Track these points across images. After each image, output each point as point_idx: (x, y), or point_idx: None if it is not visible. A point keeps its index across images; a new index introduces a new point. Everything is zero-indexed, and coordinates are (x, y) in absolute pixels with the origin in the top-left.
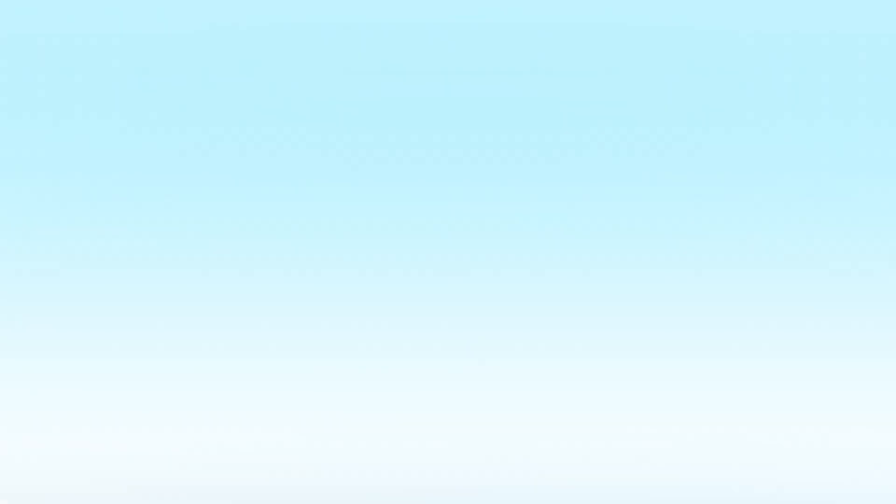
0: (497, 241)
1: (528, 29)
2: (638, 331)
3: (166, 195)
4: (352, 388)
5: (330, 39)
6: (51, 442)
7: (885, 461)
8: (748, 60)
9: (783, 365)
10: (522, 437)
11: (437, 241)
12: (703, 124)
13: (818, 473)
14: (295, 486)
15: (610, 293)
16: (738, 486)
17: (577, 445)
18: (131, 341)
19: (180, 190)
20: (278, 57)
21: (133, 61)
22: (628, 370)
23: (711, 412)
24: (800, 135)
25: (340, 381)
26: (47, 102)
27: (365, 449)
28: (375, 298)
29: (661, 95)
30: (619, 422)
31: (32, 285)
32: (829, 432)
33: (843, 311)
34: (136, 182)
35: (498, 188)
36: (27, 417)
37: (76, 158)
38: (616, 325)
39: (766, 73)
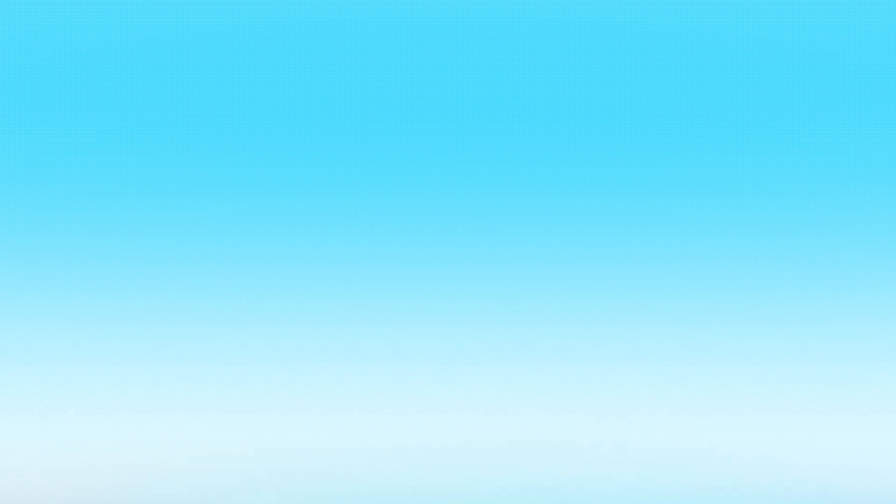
0: (501, 236)
1: (528, 24)
2: (639, 330)
3: (160, 191)
4: (351, 387)
5: (321, 33)
6: (48, 442)
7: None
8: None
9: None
10: (525, 435)
11: (438, 236)
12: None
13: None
14: (295, 485)
15: (614, 290)
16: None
17: (583, 443)
18: (128, 340)
19: (174, 187)
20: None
21: (130, 62)
22: (630, 372)
23: (717, 409)
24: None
25: (340, 380)
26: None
27: (365, 448)
28: (375, 295)
29: (663, 96)
30: (627, 419)
31: (30, 282)
32: (834, 431)
33: (846, 309)
34: (134, 179)
35: (505, 183)
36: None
37: (74, 158)
38: (619, 322)
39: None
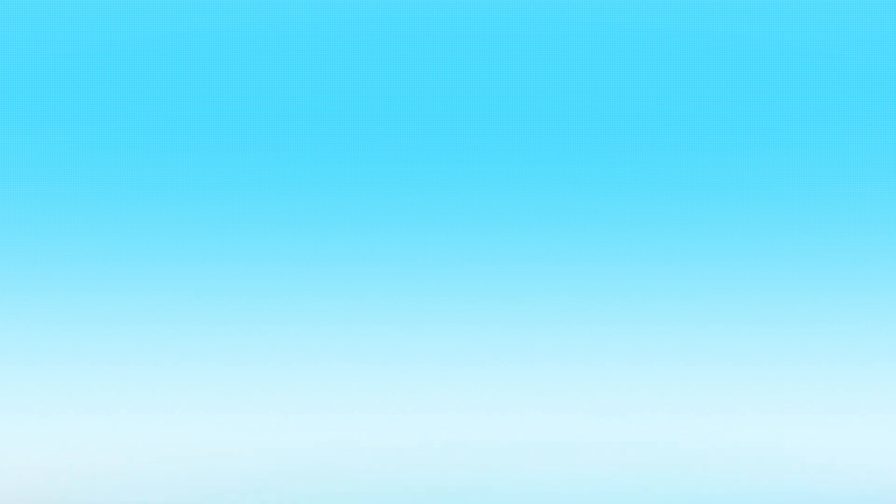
0: (500, 236)
1: (528, 24)
2: (639, 330)
3: (160, 191)
4: (352, 387)
5: (321, 33)
6: (48, 442)
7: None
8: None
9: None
10: (525, 435)
11: (438, 236)
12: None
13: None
14: (295, 485)
15: (614, 290)
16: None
17: (582, 443)
18: (128, 340)
19: (174, 187)
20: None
21: (129, 62)
22: (630, 372)
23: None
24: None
25: (340, 379)
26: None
27: (365, 448)
28: (375, 295)
29: (663, 96)
30: (625, 419)
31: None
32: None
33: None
34: (134, 179)
35: (505, 183)
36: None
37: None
38: (619, 323)
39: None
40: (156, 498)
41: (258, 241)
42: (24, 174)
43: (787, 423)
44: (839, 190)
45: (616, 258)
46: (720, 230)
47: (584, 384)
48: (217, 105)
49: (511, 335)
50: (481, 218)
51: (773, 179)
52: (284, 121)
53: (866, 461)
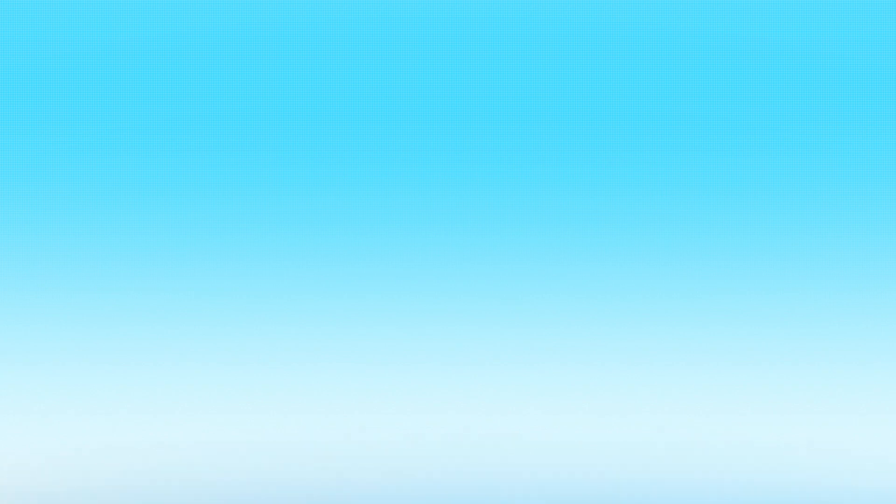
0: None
1: (528, 24)
2: (639, 330)
3: (161, 191)
4: (352, 386)
5: (321, 32)
6: (48, 442)
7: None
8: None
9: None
10: (525, 435)
11: (438, 236)
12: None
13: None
14: (294, 484)
15: (614, 290)
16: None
17: (581, 443)
18: (128, 340)
19: (174, 187)
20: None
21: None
22: (630, 372)
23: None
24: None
25: (340, 379)
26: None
27: (365, 447)
28: (375, 295)
29: (663, 96)
30: (623, 419)
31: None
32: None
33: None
34: (134, 179)
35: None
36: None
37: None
38: (618, 322)
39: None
40: (155, 497)
41: (258, 241)
42: (24, 174)
43: (787, 422)
44: (839, 190)
45: (616, 258)
46: (720, 230)
47: (584, 384)
48: (217, 105)
49: (511, 335)
50: (481, 218)
51: (773, 179)
52: (284, 121)
53: (866, 461)
